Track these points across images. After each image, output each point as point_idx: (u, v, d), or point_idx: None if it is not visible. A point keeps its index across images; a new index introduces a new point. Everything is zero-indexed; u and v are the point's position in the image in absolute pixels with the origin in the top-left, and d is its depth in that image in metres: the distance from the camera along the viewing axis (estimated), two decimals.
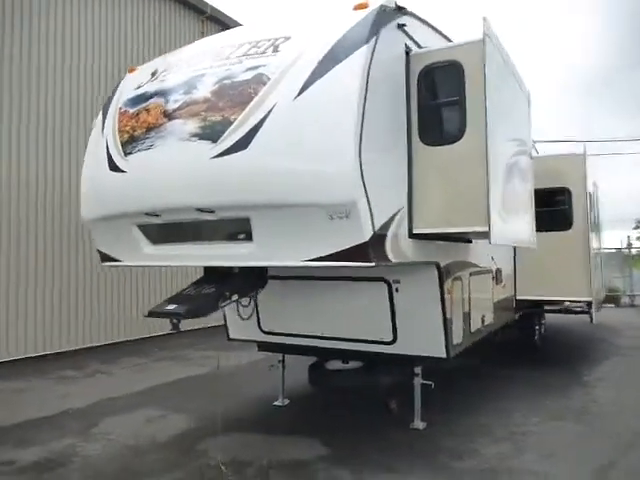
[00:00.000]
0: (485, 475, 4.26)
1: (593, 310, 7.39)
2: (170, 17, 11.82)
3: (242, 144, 3.47)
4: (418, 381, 5.32)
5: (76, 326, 9.30)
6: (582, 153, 7.48)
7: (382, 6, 3.78)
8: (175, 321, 3.71)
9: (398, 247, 3.92)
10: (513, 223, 4.56)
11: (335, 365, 5.95)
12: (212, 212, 3.69)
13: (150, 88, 4.21)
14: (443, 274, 4.82)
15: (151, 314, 3.84)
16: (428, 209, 4.06)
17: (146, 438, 5.11)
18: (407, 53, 4.14)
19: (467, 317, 5.52)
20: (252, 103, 3.53)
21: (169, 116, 3.86)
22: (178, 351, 9.34)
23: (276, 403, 6.19)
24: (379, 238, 3.60)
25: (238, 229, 3.70)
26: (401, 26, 4.04)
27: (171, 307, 3.77)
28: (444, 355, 4.98)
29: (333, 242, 3.46)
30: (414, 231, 4.11)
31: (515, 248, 7.80)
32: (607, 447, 4.83)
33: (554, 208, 7.70)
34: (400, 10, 4.04)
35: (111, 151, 4.21)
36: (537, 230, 7.57)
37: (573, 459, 4.60)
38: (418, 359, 5.12)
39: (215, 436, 5.15)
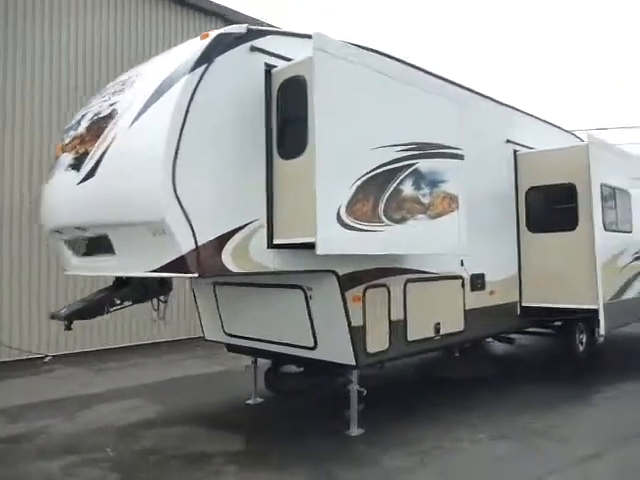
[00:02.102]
0: None
1: (601, 320, 6.53)
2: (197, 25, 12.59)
3: (92, 172, 4.03)
4: (353, 388, 5.36)
5: (143, 324, 10.58)
6: (585, 143, 6.66)
7: (220, 35, 4.05)
8: (66, 322, 4.38)
9: (248, 258, 4.13)
10: (393, 232, 4.43)
11: (290, 369, 6.21)
12: (85, 230, 4.29)
13: (69, 125, 4.97)
14: (345, 282, 4.86)
15: (51, 316, 4.58)
16: (283, 220, 4.21)
17: (110, 423, 5.88)
18: (269, 71, 4.34)
19: (399, 325, 5.41)
20: (102, 136, 4.06)
21: (63, 149, 4.57)
22: (216, 350, 10.16)
23: (248, 402, 6.61)
24: (209, 250, 3.87)
25: (106, 244, 4.24)
26: (256, 48, 4.25)
27: (62, 311, 4.46)
28: (353, 363, 5.00)
29: (162, 255, 3.83)
30: (274, 242, 4.28)
31: (520, 251, 7.27)
32: (523, 473, 4.44)
33: (558, 207, 6.98)
34: (254, 33, 4.26)
35: (45, 178, 5.07)
36: (542, 231, 7.07)
37: None
38: (335, 365, 5.19)
39: (163, 427, 5.78)
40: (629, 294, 7.45)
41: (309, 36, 4.64)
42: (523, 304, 7.18)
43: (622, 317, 7.36)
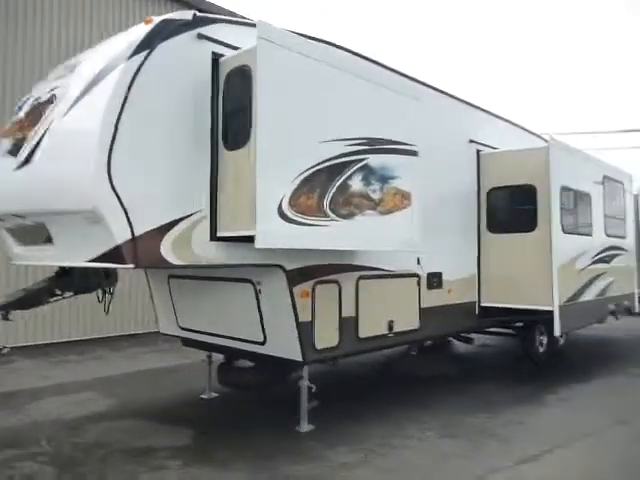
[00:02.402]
0: None
1: (556, 321, 6.58)
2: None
3: (28, 159, 3.93)
4: (303, 384, 5.33)
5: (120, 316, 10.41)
6: (546, 145, 6.70)
7: (163, 21, 3.97)
8: (2, 312, 4.27)
9: (189, 250, 4.07)
10: (339, 227, 4.40)
11: (243, 363, 6.15)
12: (24, 218, 4.19)
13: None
14: (293, 277, 4.82)
15: None
16: (227, 213, 4.15)
17: (57, 416, 5.77)
18: (217, 60, 4.27)
19: (351, 322, 5.38)
20: (40, 122, 3.96)
21: (4, 135, 4.46)
22: (179, 344, 10.05)
23: (203, 396, 6.55)
24: (146, 241, 3.80)
25: (44, 232, 4.15)
26: (203, 36, 4.18)
27: None
28: (300, 358, 4.96)
29: (98, 244, 3.76)
30: (218, 234, 4.22)
31: (479, 251, 7.30)
32: (464, 472, 4.45)
33: (518, 208, 7.02)
34: (202, 20, 4.19)
35: None
36: (502, 232, 7.10)
37: (402, 476, 4.34)
38: (284, 361, 5.15)
39: (113, 420, 5.69)
40: (587, 296, 7.52)
41: None
42: (482, 304, 7.21)
43: (579, 319, 7.43)
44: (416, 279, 6.21)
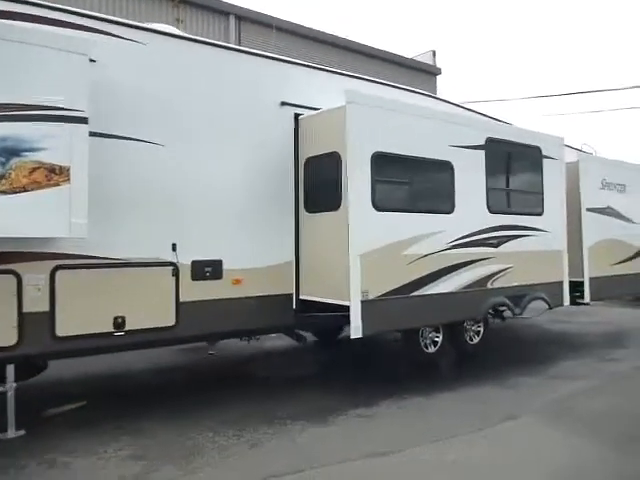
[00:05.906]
0: None
1: (353, 320, 5.27)
2: (143, 8, 12.16)
3: None
4: (10, 386, 4.82)
5: None
6: (343, 105, 5.33)
7: None
8: None
9: None
10: None
11: None
12: None
13: None
14: None
15: None
16: None
17: None
18: None
19: (41, 318, 4.67)
20: None
21: None
22: None
23: None
24: None
25: None
26: None
27: None
28: None
29: None
30: None
31: (298, 235, 6.15)
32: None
33: (326, 181, 5.73)
34: None
35: None
36: (316, 211, 6.00)
37: None
38: None
39: None
40: (440, 288, 6.00)
41: None
42: (301, 297, 6.07)
43: (414, 317, 5.89)
44: (171, 268, 5.32)
